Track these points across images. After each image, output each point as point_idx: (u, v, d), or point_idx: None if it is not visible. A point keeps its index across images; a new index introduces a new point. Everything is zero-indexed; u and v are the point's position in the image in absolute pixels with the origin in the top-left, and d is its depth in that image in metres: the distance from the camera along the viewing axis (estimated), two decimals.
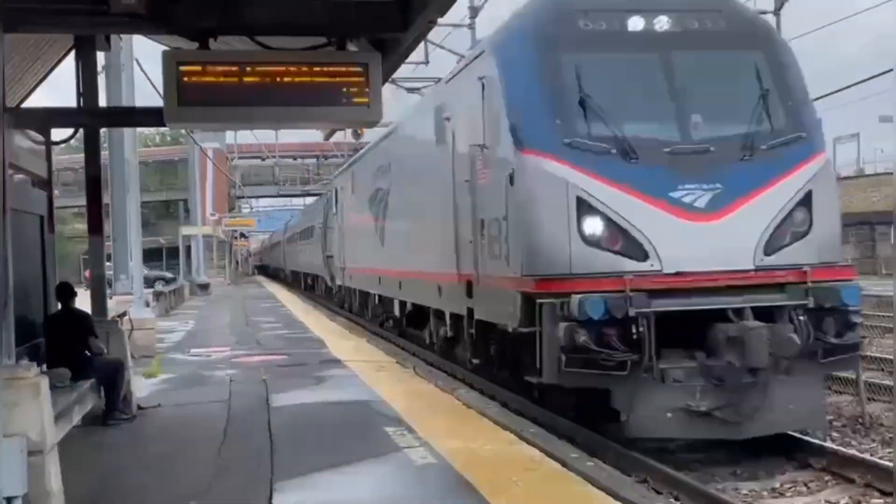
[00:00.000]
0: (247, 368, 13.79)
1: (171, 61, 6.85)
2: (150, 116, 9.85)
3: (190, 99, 6.82)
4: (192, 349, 17.14)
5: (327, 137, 14.84)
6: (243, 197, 69.65)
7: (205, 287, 42.27)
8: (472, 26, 25.09)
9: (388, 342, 19.85)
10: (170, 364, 14.65)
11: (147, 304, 20.43)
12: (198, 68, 6.82)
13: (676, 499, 7.53)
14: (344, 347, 16.38)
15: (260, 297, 39.24)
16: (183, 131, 40.51)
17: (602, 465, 8.00)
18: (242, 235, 69.39)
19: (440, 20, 8.02)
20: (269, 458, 7.58)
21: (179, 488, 6.75)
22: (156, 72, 7.73)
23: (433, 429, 8.50)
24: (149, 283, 33.18)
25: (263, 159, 64.73)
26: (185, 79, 6.77)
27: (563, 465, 7.05)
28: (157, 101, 8.30)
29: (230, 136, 56.58)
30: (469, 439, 8.05)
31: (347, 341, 18.08)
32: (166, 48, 7.68)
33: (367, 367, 13.25)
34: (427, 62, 26.73)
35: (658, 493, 7.48)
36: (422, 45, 24.56)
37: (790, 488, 8.25)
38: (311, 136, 48.16)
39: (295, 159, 66.74)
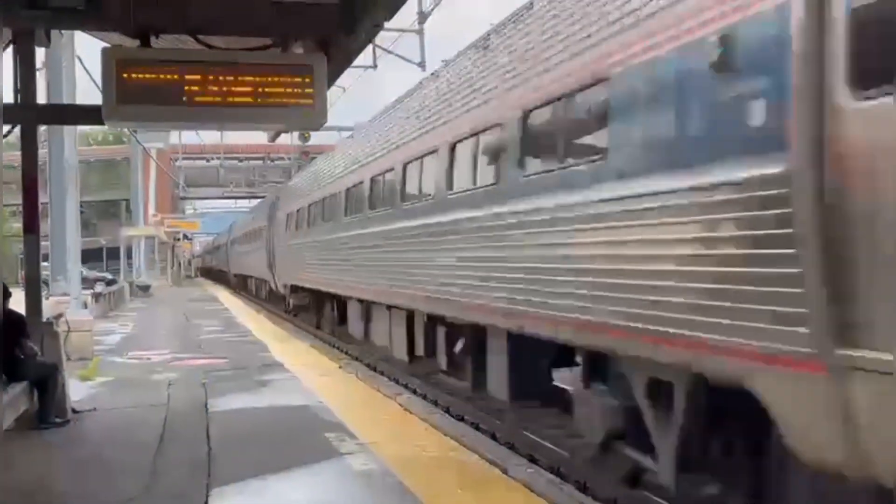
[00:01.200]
0: (186, 372, 13.59)
1: (111, 59, 6.74)
2: (89, 114, 9.66)
3: (129, 97, 6.70)
4: (131, 352, 16.85)
5: (272, 139, 14.67)
6: (187, 198, 68.77)
7: (146, 289, 41.61)
8: (420, 32, 25.08)
9: (332, 347, 19.75)
10: (107, 367, 14.38)
11: (85, 306, 20.06)
12: (138, 67, 6.71)
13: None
14: (287, 351, 16.23)
15: (203, 299, 38.74)
16: (126, 130, 39.86)
17: (541, 471, 8.05)
18: (186, 237, 68.43)
19: (387, 24, 8.02)
20: (207, 463, 7.47)
21: (113, 494, 6.62)
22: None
23: (374, 434, 8.45)
24: (89, 284, 32.61)
25: (208, 160, 63.96)
26: (125, 77, 6.65)
27: (504, 471, 7.06)
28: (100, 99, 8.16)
29: (174, 136, 55.76)
30: (410, 445, 8.02)
31: (290, 345, 17.93)
32: (107, 45, 7.56)
33: (309, 372, 13.15)
34: (375, 66, 26.68)
35: (595, 499, 7.52)
36: (370, 49, 24.57)
37: None
38: (256, 137, 47.70)
39: (241, 161, 66.01)
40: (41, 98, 13.17)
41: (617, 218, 6.50)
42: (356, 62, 10.30)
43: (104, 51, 6.82)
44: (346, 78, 26.55)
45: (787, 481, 5.51)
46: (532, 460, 8.86)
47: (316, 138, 49.77)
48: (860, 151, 4.41)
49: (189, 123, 8.46)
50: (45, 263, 16.07)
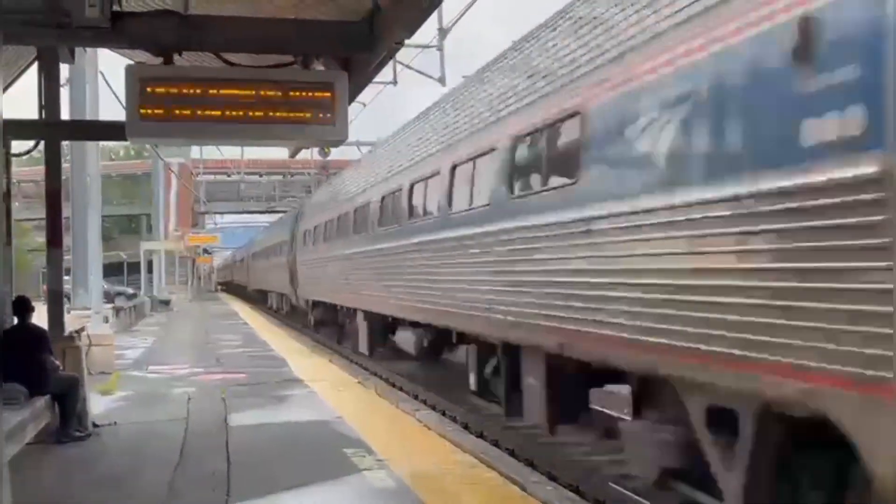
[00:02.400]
0: (206, 387, 13.63)
1: (134, 76, 6.80)
2: (113, 130, 9.74)
3: (152, 114, 6.76)
4: (151, 366, 16.92)
5: (293, 155, 14.74)
6: (207, 213, 69.15)
7: (166, 303, 41.81)
8: (440, 48, 25.16)
9: (352, 362, 19.76)
10: (128, 381, 14.45)
11: (106, 320, 20.18)
12: (160, 84, 6.78)
13: None
14: (306, 366, 16.25)
15: (222, 314, 38.89)
16: (147, 145, 40.19)
17: (561, 489, 8.00)
18: (206, 251, 68.80)
19: (408, 41, 8.05)
20: (226, 479, 7.48)
21: None
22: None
23: (393, 450, 8.44)
24: (109, 298, 32.83)
25: (229, 175, 64.32)
26: (148, 93, 6.71)
27: (523, 489, 7.03)
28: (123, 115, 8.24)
29: (195, 151, 56.21)
30: (429, 461, 8.01)
31: (310, 360, 17.95)
32: (131, 62, 7.63)
33: (328, 388, 13.16)
34: (395, 83, 26.79)
35: None
36: (390, 65, 24.66)
37: None
38: (277, 152, 47.95)
39: (261, 176, 66.37)
40: (64, 114, 13.29)
41: (685, 227, 5.81)
42: (377, 78, 10.32)
43: (128, 68, 6.89)
44: (367, 94, 26.67)
45: None
46: (551, 477, 8.81)
47: (336, 153, 49.98)
48: None
49: (210, 139, 8.53)
50: (67, 277, 16.19)
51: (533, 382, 8.92)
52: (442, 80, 25.30)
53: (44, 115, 10.21)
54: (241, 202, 65.58)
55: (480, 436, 11.15)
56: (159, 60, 7.22)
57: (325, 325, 24.54)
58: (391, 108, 37.52)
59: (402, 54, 24.25)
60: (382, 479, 7.34)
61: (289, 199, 59.36)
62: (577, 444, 9.86)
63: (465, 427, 11.78)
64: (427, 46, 24.89)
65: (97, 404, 11.05)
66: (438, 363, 15.31)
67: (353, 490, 7.06)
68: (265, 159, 62.23)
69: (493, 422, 11.48)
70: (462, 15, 22.78)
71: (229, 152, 56.50)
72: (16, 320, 9.34)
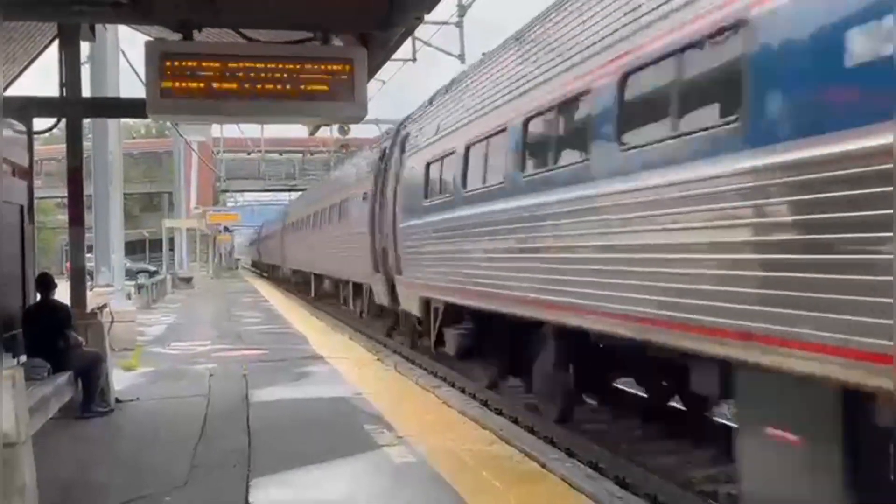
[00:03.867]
0: (227, 363, 13.72)
1: (154, 52, 6.80)
2: (133, 107, 9.79)
3: (172, 91, 6.76)
4: (173, 343, 17.06)
5: (312, 133, 14.73)
6: (228, 191, 69.33)
7: (188, 280, 42.06)
8: (459, 24, 25.02)
9: (371, 339, 19.81)
10: (150, 357, 14.57)
11: (128, 297, 20.33)
12: (181, 59, 6.77)
13: (654, 500, 7.52)
14: (326, 344, 16.32)
15: (243, 291, 39.09)
16: (168, 123, 40.28)
17: (580, 465, 8.01)
18: (226, 229, 69.09)
19: (427, 17, 8.00)
20: (247, 454, 7.53)
21: (155, 484, 6.68)
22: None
23: (412, 427, 8.47)
24: (131, 275, 33.04)
25: (248, 153, 64.43)
26: (168, 70, 6.71)
27: (542, 465, 7.03)
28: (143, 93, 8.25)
29: (216, 130, 56.23)
30: (448, 438, 8.02)
31: (330, 338, 18.02)
32: (150, 39, 7.63)
33: (348, 364, 13.21)
34: (415, 60, 26.67)
35: (635, 494, 7.47)
36: (409, 41, 24.56)
37: None
38: (296, 130, 47.92)
39: (280, 154, 66.45)
40: (85, 92, 13.33)
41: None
42: (395, 55, 10.24)
43: (148, 44, 6.89)
44: (386, 71, 26.57)
45: None
46: (570, 454, 8.82)
47: (355, 131, 49.89)
48: None
49: (230, 117, 8.51)
50: (89, 255, 16.31)
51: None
52: (461, 58, 25.17)
53: (65, 93, 10.24)
54: (261, 181, 65.73)
55: (500, 413, 11.17)
56: (178, 37, 7.22)
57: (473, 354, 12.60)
58: (412, 85, 37.44)
59: (421, 31, 24.17)
60: (402, 454, 7.37)
61: (309, 177, 59.38)
62: (595, 422, 9.87)
63: (485, 404, 11.80)
64: (446, 23, 24.75)
65: (119, 380, 11.15)
66: None
67: (373, 465, 7.09)
68: (284, 138, 62.25)
69: (513, 399, 11.49)
70: None
71: (249, 131, 56.58)
72: (38, 297, 9.43)
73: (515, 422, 10.61)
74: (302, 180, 61.63)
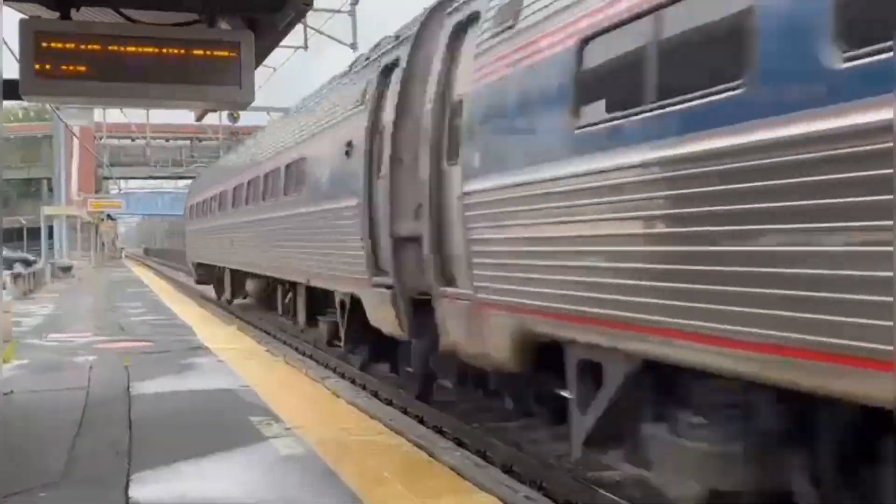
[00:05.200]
0: (109, 355, 13.29)
1: (29, 30, 6.53)
2: (7, 88, 9.34)
3: (48, 71, 6.50)
4: (51, 334, 16.47)
5: (199, 118, 14.33)
6: (111, 178, 67.23)
7: (67, 270, 40.67)
8: (352, 13, 24.88)
9: (258, 329, 19.53)
10: (25, 349, 14.01)
11: (3, 287, 19.49)
12: (56, 38, 6.51)
13: (540, 488, 7.62)
14: (213, 335, 16.00)
15: (126, 281, 38.01)
16: (47, 106, 38.80)
17: (469, 454, 8.07)
18: (110, 217, 67.04)
19: (318, 4, 7.90)
20: (128, 448, 7.31)
21: (31, 478, 6.42)
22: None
23: (301, 418, 8.37)
24: (8, 264, 31.74)
25: (133, 140, 62.62)
26: (43, 49, 6.44)
27: (431, 455, 7.05)
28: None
29: (98, 114, 54.43)
30: (337, 429, 7.96)
31: (217, 328, 17.69)
32: (25, 17, 7.30)
33: (235, 355, 12.97)
34: (306, 47, 26.39)
35: (522, 482, 7.56)
36: (300, 28, 24.27)
37: None
38: (184, 116, 46.84)
39: (167, 140, 64.74)
40: None
41: None
42: (286, 42, 10.07)
43: (22, 22, 6.60)
44: (276, 58, 26.15)
45: None
46: (459, 444, 8.87)
47: (245, 119, 49.20)
48: None
49: (110, 99, 8.22)
50: None
51: None
52: (353, 46, 25.03)
53: None
54: (147, 167, 63.96)
55: (390, 404, 11.17)
56: (56, 15, 6.93)
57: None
58: (304, 74, 37.09)
59: (314, 19, 23.93)
60: (290, 446, 7.27)
61: (197, 165, 58.09)
62: (484, 412, 9.96)
63: (375, 395, 11.78)
64: (338, 11, 24.59)
65: None
66: None
67: (259, 457, 6.97)
68: (172, 124, 60.77)
69: (402, 390, 11.50)
70: None
71: (134, 116, 55.03)
72: None
73: (405, 412, 10.63)
74: (190, 168, 60.26)
